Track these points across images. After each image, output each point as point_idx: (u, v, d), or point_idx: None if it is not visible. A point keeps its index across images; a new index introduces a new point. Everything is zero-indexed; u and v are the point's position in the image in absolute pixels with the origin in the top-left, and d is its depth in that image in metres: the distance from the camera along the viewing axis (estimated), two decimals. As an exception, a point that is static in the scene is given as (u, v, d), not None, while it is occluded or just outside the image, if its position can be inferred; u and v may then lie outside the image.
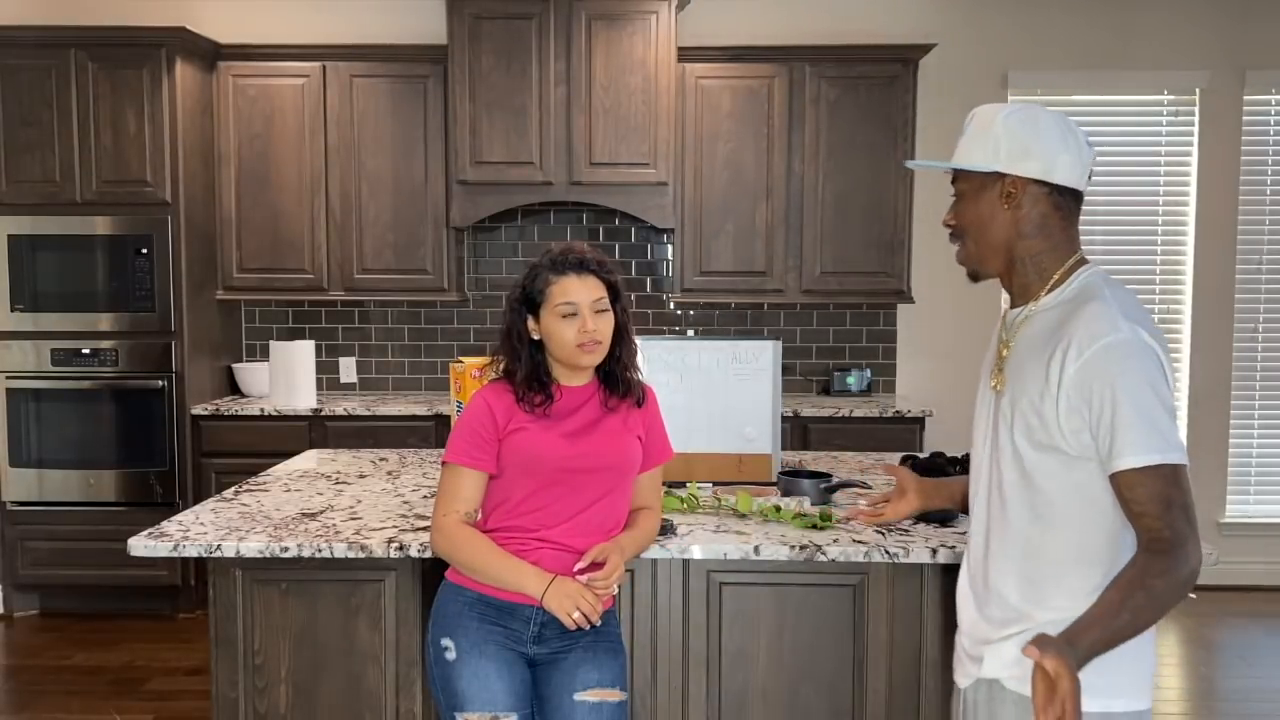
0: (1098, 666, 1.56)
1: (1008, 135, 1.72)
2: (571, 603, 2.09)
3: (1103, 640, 1.54)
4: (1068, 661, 1.47)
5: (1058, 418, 1.64)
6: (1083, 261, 1.77)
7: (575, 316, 2.16)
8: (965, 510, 2.04)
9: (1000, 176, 1.74)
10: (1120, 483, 1.59)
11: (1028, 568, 1.71)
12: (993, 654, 1.74)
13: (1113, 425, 1.58)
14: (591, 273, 2.19)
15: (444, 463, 2.21)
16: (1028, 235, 1.75)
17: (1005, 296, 1.87)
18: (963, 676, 1.83)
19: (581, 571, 2.14)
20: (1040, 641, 1.51)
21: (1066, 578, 1.68)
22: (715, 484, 3.04)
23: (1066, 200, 1.75)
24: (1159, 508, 1.56)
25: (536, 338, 2.21)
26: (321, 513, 2.78)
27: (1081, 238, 1.82)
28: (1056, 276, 1.75)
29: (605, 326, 2.20)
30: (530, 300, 2.20)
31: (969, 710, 1.80)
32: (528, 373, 2.20)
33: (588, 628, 2.13)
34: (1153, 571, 1.55)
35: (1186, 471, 1.59)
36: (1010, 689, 1.71)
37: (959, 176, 1.83)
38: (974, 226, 1.79)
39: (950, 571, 2.50)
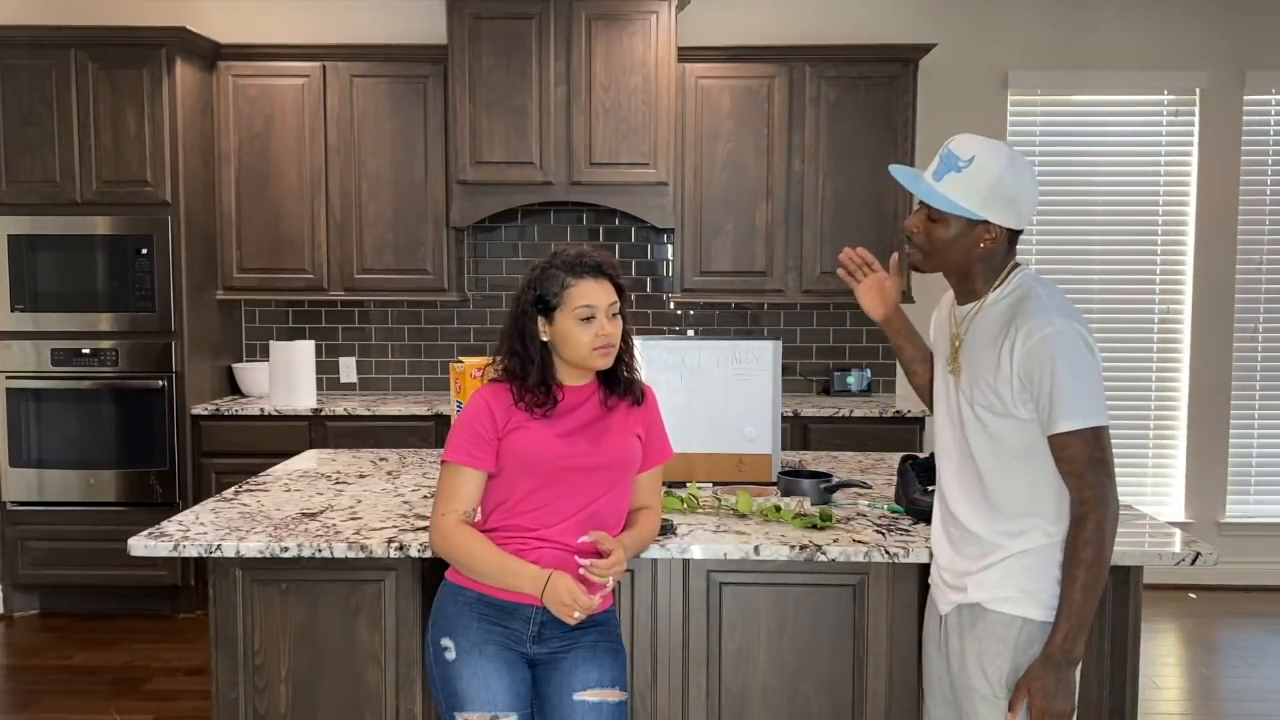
0: (1021, 580, 1.98)
1: (1005, 190, 1.98)
2: (570, 596, 2.08)
3: (1075, 626, 1.92)
4: (1041, 698, 1.93)
5: (1011, 394, 1.96)
6: (1016, 265, 2.08)
7: (593, 320, 2.17)
8: (904, 360, 2.42)
9: (984, 221, 2.01)
10: (1055, 444, 1.94)
11: (994, 511, 2.03)
12: (975, 583, 2.05)
13: (1051, 397, 1.92)
14: (607, 277, 2.20)
15: (443, 462, 2.21)
16: (982, 260, 2.05)
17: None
18: (944, 604, 2.13)
19: (582, 553, 2.14)
20: (1017, 698, 1.96)
21: (1028, 516, 2.01)
22: (715, 484, 3.05)
23: (1017, 233, 2.07)
24: (1084, 467, 1.91)
25: (545, 339, 2.22)
26: (321, 513, 2.78)
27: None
28: (998, 280, 2.06)
29: (618, 330, 2.21)
30: (544, 302, 2.20)
31: (950, 632, 2.10)
32: (539, 376, 2.20)
33: (584, 619, 2.13)
34: (1079, 545, 1.92)
35: (1107, 431, 1.94)
36: (990, 609, 2.02)
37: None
38: (941, 247, 2.05)
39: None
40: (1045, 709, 1.92)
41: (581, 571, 2.12)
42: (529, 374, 2.20)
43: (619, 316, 2.22)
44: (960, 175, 1.99)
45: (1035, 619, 1.98)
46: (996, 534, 2.02)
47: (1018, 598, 2.00)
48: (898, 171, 2.11)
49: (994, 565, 2.02)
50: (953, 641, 2.09)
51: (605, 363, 2.21)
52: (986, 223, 2.01)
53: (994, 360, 1.98)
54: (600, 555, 2.15)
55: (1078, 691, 2.05)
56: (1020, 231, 2.06)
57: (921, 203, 2.07)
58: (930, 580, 2.23)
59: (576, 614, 2.09)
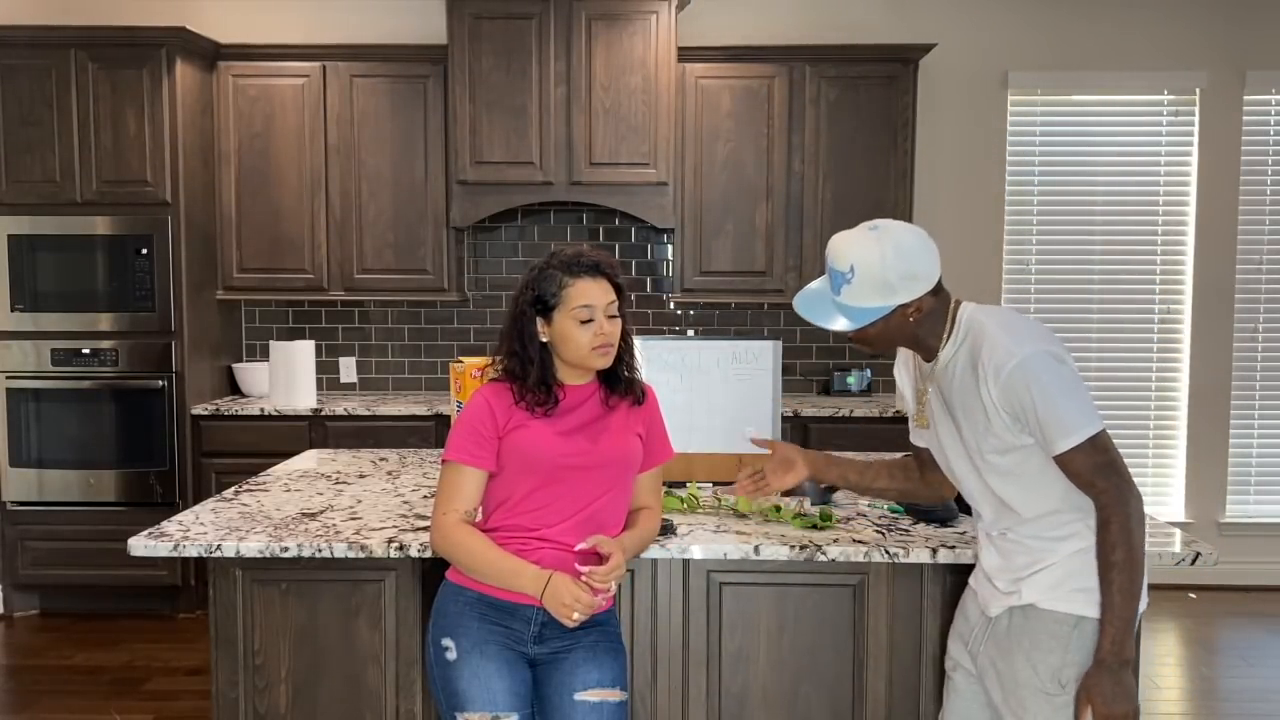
0: (1076, 579, 2.01)
1: (898, 273, 2.03)
2: (571, 597, 2.09)
3: (1120, 628, 1.95)
4: (1101, 703, 1.95)
5: (1007, 429, 2.02)
6: (956, 304, 2.13)
7: (591, 320, 2.17)
8: (855, 488, 2.50)
9: (902, 304, 2.06)
10: (1061, 462, 1.99)
11: (1037, 525, 2.08)
12: (1029, 585, 2.07)
13: (1040, 425, 1.97)
14: (605, 276, 2.20)
15: (444, 461, 2.21)
16: (923, 323, 2.11)
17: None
18: (996, 608, 2.13)
19: (582, 559, 2.14)
20: (1081, 708, 1.98)
21: (1070, 522, 2.05)
22: (715, 484, 3.05)
23: (937, 283, 2.11)
24: (1092, 475, 1.97)
25: (544, 340, 2.21)
26: (321, 513, 2.78)
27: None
28: (946, 330, 2.11)
29: (616, 330, 2.21)
30: (542, 302, 2.19)
31: (1000, 633, 2.11)
32: (539, 376, 2.20)
33: (584, 619, 2.13)
34: (1107, 549, 1.96)
35: (1105, 433, 1.98)
36: (1044, 608, 2.05)
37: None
38: (886, 340, 2.13)
39: (951, 571, 2.52)
40: (1108, 714, 1.96)
41: (582, 579, 2.12)
42: (529, 374, 2.19)
43: (618, 316, 2.22)
44: (852, 286, 2.04)
45: (1090, 616, 2.01)
46: (1045, 541, 2.07)
47: (1072, 596, 2.03)
48: (801, 307, 2.13)
49: (1047, 567, 2.06)
50: (1002, 641, 2.11)
51: (605, 362, 2.21)
52: (904, 304, 2.05)
53: (979, 409, 2.04)
54: (600, 558, 2.15)
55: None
56: (939, 281, 2.09)
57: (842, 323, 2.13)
58: (972, 585, 2.24)
59: (576, 616, 2.09)
